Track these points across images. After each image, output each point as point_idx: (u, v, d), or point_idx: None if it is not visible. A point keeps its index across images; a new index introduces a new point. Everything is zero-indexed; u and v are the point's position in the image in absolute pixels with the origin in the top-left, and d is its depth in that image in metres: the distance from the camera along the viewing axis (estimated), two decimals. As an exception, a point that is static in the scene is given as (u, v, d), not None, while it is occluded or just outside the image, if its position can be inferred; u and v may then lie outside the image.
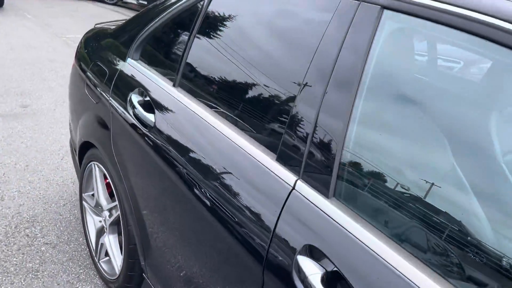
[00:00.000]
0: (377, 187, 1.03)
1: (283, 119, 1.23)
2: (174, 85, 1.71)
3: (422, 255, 0.90)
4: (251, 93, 1.40)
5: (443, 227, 0.89)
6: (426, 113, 1.03)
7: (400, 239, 0.94)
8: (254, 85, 1.38)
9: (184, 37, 1.79)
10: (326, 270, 0.99)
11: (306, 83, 1.17)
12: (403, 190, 0.99)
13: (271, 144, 1.25)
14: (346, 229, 0.99)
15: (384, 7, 1.07)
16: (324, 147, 1.09)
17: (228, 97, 1.47)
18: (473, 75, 1.17)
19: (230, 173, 1.31)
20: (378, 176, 1.04)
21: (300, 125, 1.16)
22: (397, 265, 0.89)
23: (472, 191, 0.96)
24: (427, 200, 0.94)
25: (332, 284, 0.98)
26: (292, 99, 1.21)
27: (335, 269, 0.97)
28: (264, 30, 1.43)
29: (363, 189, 1.05)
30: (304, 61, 1.20)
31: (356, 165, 1.07)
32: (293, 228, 1.09)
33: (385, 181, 1.03)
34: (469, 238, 0.87)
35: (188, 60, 1.69)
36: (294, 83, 1.22)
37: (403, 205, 0.97)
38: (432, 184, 0.97)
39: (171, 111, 1.63)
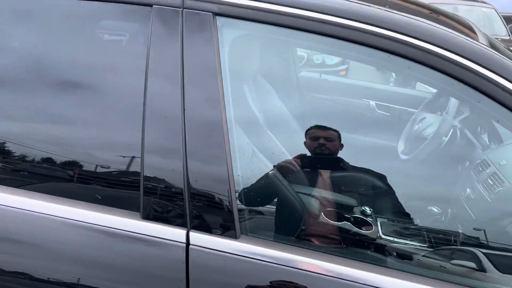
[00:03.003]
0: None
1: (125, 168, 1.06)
2: None
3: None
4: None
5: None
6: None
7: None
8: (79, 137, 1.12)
9: None
10: None
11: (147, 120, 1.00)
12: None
13: (122, 203, 1.03)
14: (277, 264, 0.95)
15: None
16: (212, 183, 0.99)
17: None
18: None
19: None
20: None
21: (162, 169, 1.01)
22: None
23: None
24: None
25: None
26: (137, 141, 1.01)
27: None
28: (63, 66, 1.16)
29: (265, 216, 1.10)
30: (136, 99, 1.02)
31: (246, 195, 1.06)
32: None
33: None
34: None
35: None
36: (134, 120, 1.03)
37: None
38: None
39: None
